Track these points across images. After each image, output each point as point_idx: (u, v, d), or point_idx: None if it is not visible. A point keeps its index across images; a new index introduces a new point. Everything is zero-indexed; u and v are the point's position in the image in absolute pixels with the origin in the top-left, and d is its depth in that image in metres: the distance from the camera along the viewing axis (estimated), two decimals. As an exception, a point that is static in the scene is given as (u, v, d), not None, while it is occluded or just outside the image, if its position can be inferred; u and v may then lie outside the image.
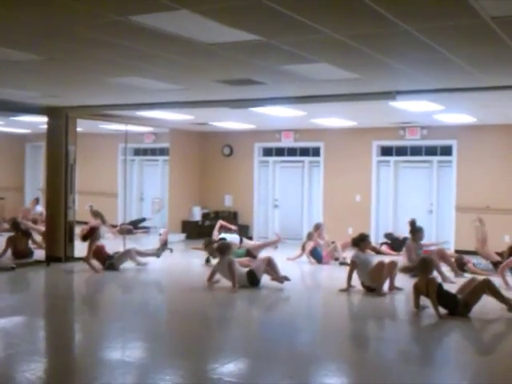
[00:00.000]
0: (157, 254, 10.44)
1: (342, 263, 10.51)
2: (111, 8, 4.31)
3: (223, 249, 8.64)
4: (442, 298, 6.70)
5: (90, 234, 9.56)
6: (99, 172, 13.87)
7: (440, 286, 6.87)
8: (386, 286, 8.05)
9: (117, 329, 6.40)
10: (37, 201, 12.17)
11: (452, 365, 5.38)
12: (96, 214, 12.55)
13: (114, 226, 12.91)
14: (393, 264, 8.22)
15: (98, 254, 9.69)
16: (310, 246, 10.99)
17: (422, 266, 7.00)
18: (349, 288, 8.17)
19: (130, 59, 6.08)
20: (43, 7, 4.30)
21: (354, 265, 8.27)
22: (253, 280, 8.31)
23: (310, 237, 11.12)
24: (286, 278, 8.42)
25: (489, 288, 6.66)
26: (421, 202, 12.56)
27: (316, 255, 10.91)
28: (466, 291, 6.76)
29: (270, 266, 8.46)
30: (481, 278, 7.12)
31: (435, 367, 5.14)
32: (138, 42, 5.30)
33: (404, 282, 8.29)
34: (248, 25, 4.67)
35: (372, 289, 8.06)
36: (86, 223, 12.17)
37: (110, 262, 9.66)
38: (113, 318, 6.96)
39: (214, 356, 5.39)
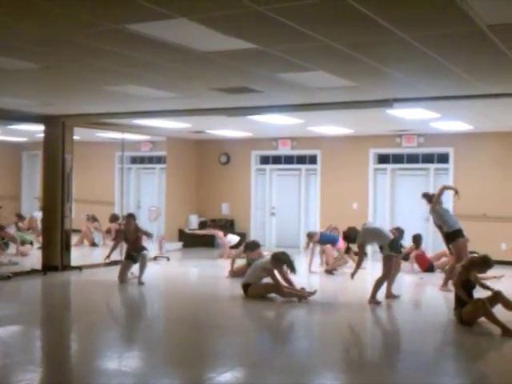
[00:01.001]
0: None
1: (328, 271, 10.50)
2: (109, 17, 4.31)
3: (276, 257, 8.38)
4: (465, 288, 6.76)
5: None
6: (96, 180, 13.83)
7: (473, 283, 6.88)
8: (381, 294, 8.04)
9: (113, 338, 6.37)
10: None
11: (450, 372, 5.36)
12: (94, 219, 13.08)
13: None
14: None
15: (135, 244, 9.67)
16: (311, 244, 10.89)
17: (483, 261, 7.01)
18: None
19: (127, 67, 6.08)
20: (41, 16, 4.30)
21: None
22: (244, 291, 8.27)
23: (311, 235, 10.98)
24: (306, 294, 8.09)
25: (484, 311, 6.60)
26: (417, 210, 12.55)
27: (327, 239, 10.92)
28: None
29: (280, 292, 8.09)
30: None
31: (435, 375, 5.12)
32: (135, 50, 5.30)
33: (402, 288, 8.29)
34: (245, 33, 4.68)
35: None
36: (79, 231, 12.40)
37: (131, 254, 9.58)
38: (109, 327, 6.93)
39: (211, 365, 5.37)
